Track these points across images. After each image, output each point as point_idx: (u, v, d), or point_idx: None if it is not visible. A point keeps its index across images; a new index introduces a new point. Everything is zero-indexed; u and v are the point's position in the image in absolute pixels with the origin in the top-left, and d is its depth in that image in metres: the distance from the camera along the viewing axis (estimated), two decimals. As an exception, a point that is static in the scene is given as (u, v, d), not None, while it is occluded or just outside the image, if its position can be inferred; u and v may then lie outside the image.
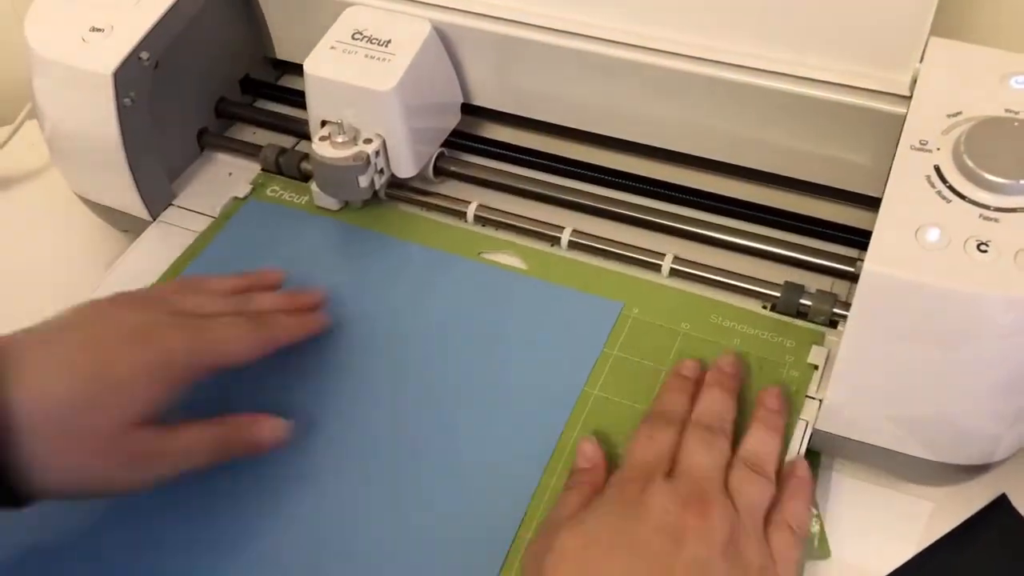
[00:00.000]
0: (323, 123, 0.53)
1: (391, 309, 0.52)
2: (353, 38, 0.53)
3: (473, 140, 0.59)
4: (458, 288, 0.53)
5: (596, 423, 0.46)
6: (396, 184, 0.56)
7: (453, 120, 0.58)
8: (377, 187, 0.54)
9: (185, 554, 0.44)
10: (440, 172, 0.57)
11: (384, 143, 0.52)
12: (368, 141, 0.52)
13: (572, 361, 0.49)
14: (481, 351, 0.50)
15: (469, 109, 0.58)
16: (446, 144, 0.57)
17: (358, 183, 0.52)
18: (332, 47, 0.53)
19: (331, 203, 0.56)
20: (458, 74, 0.56)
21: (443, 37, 0.54)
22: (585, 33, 0.52)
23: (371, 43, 0.52)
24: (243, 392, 0.48)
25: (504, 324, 0.51)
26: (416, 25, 0.53)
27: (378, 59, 0.52)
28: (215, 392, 0.49)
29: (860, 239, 0.51)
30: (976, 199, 0.40)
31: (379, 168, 0.53)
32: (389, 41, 0.52)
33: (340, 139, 0.52)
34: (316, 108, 0.53)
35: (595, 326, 0.50)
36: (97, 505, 0.45)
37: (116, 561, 0.44)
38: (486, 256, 0.54)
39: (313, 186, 0.55)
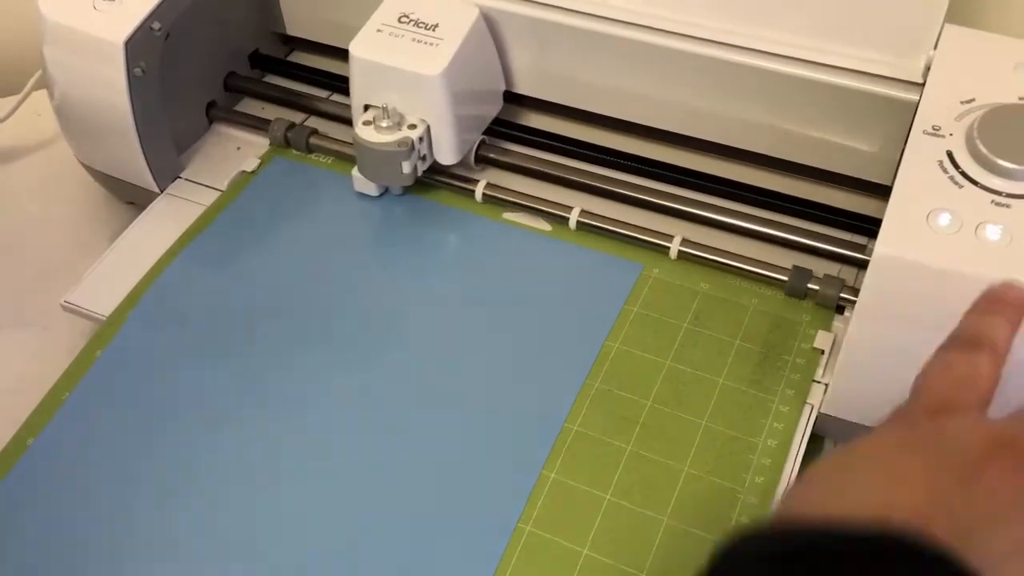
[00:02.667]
0: (366, 107, 0.53)
1: (417, 267, 0.53)
2: (400, 21, 0.52)
3: (512, 128, 0.59)
4: (483, 246, 0.53)
5: (617, 374, 0.47)
6: (434, 169, 0.55)
7: (495, 108, 0.57)
8: (419, 173, 0.54)
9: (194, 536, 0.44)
10: (481, 160, 0.57)
11: (428, 129, 0.52)
12: (412, 127, 0.52)
13: (594, 316, 0.50)
14: (506, 305, 0.50)
15: (508, 97, 0.58)
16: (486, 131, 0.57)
17: (401, 169, 0.52)
18: (378, 30, 0.52)
19: (371, 188, 0.55)
20: (501, 61, 0.56)
21: (488, 23, 0.54)
22: (618, 18, 0.52)
23: (418, 27, 0.52)
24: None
25: (528, 280, 0.52)
26: (464, 9, 0.53)
27: (425, 43, 0.51)
28: (221, 372, 0.49)
29: (867, 226, 0.51)
30: (988, 185, 0.40)
31: (422, 155, 0.53)
32: (436, 25, 0.52)
33: (384, 124, 0.51)
34: (360, 91, 0.53)
35: (617, 284, 0.51)
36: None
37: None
38: (509, 216, 0.54)
39: (354, 171, 0.55)
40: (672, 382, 0.47)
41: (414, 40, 0.51)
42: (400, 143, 0.51)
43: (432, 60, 0.51)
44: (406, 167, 0.52)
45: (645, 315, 0.50)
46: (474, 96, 0.54)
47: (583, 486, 0.44)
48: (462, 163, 0.55)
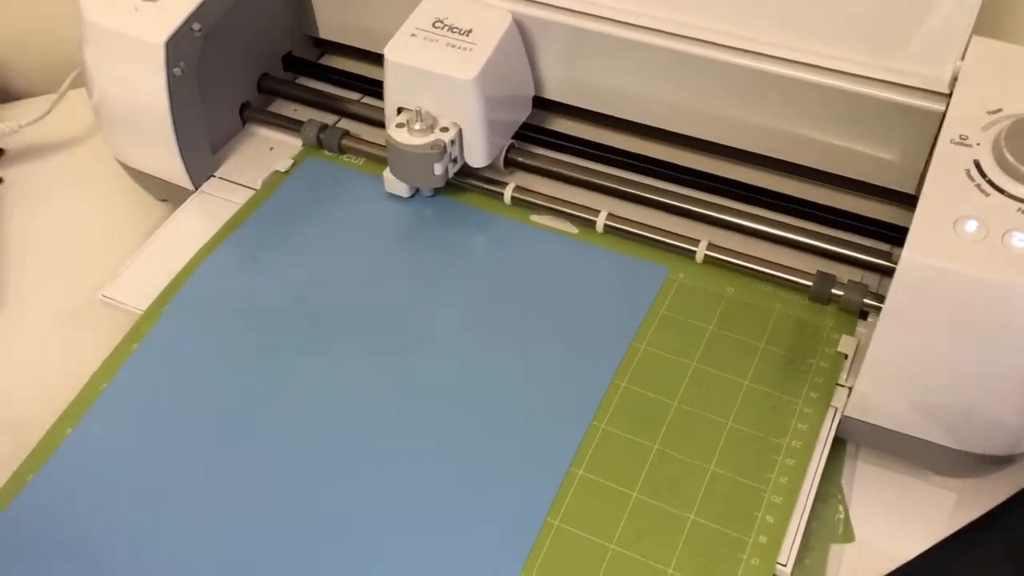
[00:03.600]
0: (399, 110, 0.54)
1: (446, 267, 0.54)
2: (434, 26, 0.53)
3: (541, 132, 0.60)
4: (511, 247, 0.54)
5: (644, 374, 0.48)
6: (464, 171, 0.56)
7: (524, 113, 0.58)
8: (450, 175, 0.55)
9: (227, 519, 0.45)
10: (510, 163, 0.58)
11: (460, 132, 0.53)
12: (445, 129, 0.53)
13: (621, 318, 0.51)
14: (533, 305, 0.51)
15: (537, 102, 0.59)
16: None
17: (433, 170, 0.53)
18: (413, 34, 0.53)
19: (402, 190, 0.56)
20: (531, 67, 0.57)
21: (520, 29, 0.55)
22: (647, 26, 0.53)
23: (452, 32, 0.53)
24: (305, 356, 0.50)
25: (555, 282, 0.53)
26: (498, 15, 0.54)
27: (459, 48, 0.52)
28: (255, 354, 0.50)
29: (890, 233, 0.52)
30: (1015, 193, 0.41)
31: (453, 157, 0.54)
32: (470, 30, 0.53)
33: (417, 126, 0.52)
34: (394, 94, 0.54)
35: (643, 287, 0.52)
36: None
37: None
38: (536, 219, 0.55)
39: (385, 172, 0.56)
40: (698, 383, 0.48)
41: (448, 45, 0.52)
42: (432, 145, 0.52)
43: (466, 65, 0.52)
44: (438, 169, 0.53)
45: (671, 317, 0.50)
46: (505, 101, 0.55)
47: (610, 483, 0.45)
48: (491, 166, 0.56)
